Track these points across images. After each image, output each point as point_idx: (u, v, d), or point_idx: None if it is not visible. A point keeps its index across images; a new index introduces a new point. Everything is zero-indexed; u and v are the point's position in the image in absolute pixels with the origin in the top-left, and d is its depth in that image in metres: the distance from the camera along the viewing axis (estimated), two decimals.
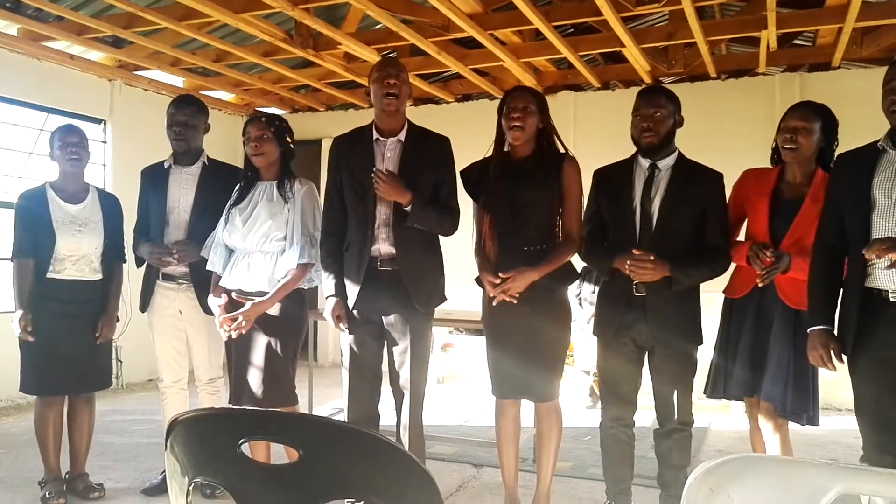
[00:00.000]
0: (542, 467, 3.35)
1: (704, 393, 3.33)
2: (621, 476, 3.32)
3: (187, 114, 3.75)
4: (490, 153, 3.31)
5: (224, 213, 3.45)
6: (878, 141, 2.65)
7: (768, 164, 3.31)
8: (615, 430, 3.28)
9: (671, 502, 3.24)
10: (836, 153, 2.80)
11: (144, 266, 3.82)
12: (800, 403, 3.01)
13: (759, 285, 3.04)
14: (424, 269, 3.24)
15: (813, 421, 3.06)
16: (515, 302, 3.09)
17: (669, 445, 3.21)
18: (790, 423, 3.12)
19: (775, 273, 2.99)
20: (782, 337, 3.02)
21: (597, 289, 3.52)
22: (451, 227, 3.25)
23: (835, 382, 3.00)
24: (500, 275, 3.09)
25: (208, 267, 3.46)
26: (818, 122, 3.08)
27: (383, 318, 3.21)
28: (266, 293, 3.30)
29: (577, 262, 3.36)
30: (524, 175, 3.19)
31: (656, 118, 3.11)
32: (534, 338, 3.18)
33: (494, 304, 3.15)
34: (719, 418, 5.49)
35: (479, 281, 3.26)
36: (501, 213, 3.23)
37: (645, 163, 3.18)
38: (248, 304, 3.26)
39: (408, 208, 3.08)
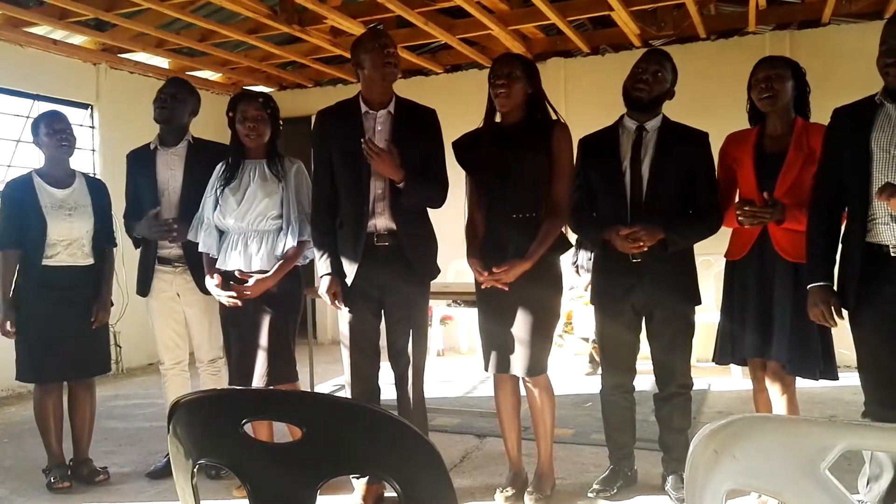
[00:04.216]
0: (540, 440, 3.33)
1: (713, 361, 3.27)
2: (623, 441, 3.35)
3: (177, 86, 3.77)
4: (482, 124, 3.27)
5: (210, 193, 3.43)
6: (874, 95, 2.62)
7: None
8: (615, 397, 3.31)
9: (673, 465, 3.26)
10: (833, 109, 2.76)
11: (140, 250, 3.81)
12: (806, 359, 2.96)
13: (740, 219, 2.96)
14: (423, 238, 3.26)
15: (827, 375, 2.98)
16: (507, 290, 3.07)
17: (670, 409, 3.23)
18: (802, 380, 3.07)
19: (765, 220, 2.94)
20: (783, 293, 2.98)
21: (593, 255, 3.51)
22: (440, 199, 3.24)
23: (834, 339, 2.98)
24: (493, 269, 3.05)
25: (201, 249, 3.45)
26: (788, 70, 3.06)
27: (381, 293, 3.20)
28: (266, 272, 3.30)
29: (571, 233, 3.35)
30: (514, 142, 3.15)
31: (657, 77, 3.11)
32: (525, 311, 3.15)
33: (483, 287, 3.13)
34: (719, 380, 5.52)
35: None
36: (490, 180, 3.20)
37: (631, 125, 3.16)
38: (251, 281, 3.27)
39: (401, 185, 3.06)
